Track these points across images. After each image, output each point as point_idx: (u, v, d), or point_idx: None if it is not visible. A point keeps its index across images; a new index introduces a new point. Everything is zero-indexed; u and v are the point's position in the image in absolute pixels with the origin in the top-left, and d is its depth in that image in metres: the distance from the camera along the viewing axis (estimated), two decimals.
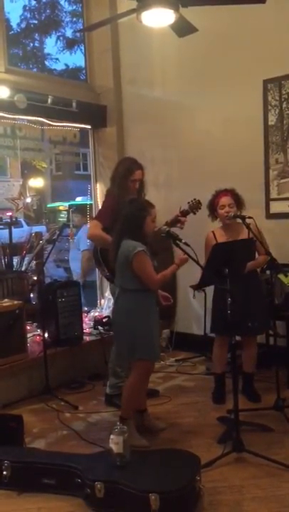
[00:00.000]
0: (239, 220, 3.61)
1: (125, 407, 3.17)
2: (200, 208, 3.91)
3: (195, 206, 3.92)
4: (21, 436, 3.17)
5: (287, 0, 4.19)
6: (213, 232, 3.80)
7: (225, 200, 3.69)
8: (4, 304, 3.99)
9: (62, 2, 10.32)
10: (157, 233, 3.70)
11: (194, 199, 3.94)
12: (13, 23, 10.99)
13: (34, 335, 4.43)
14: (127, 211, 3.13)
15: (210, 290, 3.90)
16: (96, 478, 2.50)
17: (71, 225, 5.91)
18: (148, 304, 3.11)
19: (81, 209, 6.39)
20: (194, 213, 3.92)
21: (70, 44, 11.40)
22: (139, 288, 3.04)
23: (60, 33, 11.91)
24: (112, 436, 2.64)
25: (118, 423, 2.81)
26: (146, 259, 3.02)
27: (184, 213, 3.86)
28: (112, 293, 3.86)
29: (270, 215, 4.50)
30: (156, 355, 3.21)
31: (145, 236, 3.10)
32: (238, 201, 3.72)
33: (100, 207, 5.39)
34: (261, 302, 3.72)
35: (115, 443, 2.61)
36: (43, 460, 2.77)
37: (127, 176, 3.68)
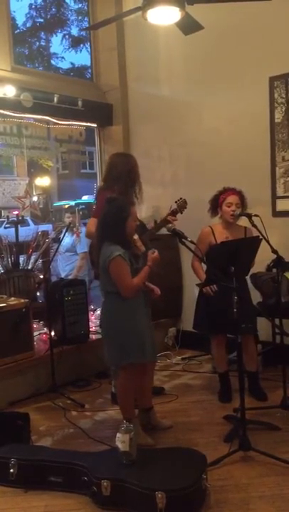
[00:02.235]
0: (238, 221, 3.62)
1: (123, 409, 3.16)
2: (186, 207, 3.91)
3: (182, 205, 3.91)
4: (28, 434, 3.19)
5: None
6: (211, 227, 3.79)
7: (233, 198, 3.69)
8: (11, 303, 4.00)
9: (67, 0, 10.30)
10: (151, 233, 3.72)
11: (180, 198, 3.94)
12: (19, 22, 10.99)
13: (40, 333, 4.44)
14: (106, 213, 3.05)
15: None
16: (102, 476, 2.51)
17: (77, 224, 5.90)
18: (134, 304, 3.05)
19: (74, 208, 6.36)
20: (181, 212, 3.89)
21: (75, 42, 11.39)
22: None
23: (65, 32, 11.90)
24: (118, 435, 2.64)
25: (124, 421, 2.82)
26: (122, 264, 2.93)
27: (174, 213, 3.85)
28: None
29: (276, 213, 4.48)
30: (146, 356, 3.10)
31: (127, 237, 3.04)
32: (243, 203, 3.72)
33: None
34: (248, 303, 3.71)
35: (122, 441, 2.62)
36: (50, 458, 2.78)
37: (134, 169, 3.66)
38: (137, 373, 3.14)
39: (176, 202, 3.92)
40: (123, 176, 3.63)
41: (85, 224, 6.04)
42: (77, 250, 5.85)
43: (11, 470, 2.72)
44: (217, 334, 3.78)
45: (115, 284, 2.97)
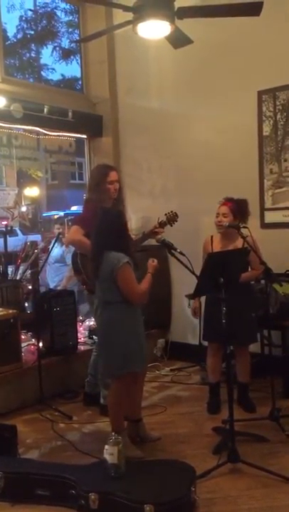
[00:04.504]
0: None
1: (114, 420, 3.13)
2: (176, 221, 3.94)
3: (172, 218, 3.93)
4: (15, 446, 3.15)
5: (282, 12, 4.25)
6: (212, 236, 3.82)
7: (220, 209, 3.72)
8: None
9: (58, 13, 10.37)
10: (136, 244, 3.73)
11: (171, 211, 3.96)
12: (10, 34, 11.02)
13: (29, 344, 4.41)
14: (105, 222, 3.05)
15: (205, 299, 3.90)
16: (90, 489, 2.48)
17: (67, 235, 5.89)
18: (134, 313, 3.08)
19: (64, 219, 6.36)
20: (171, 225, 3.92)
21: (66, 54, 11.44)
22: (124, 299, 3.01)
23: (56, 44, 11.95)
24: (106, 447, 2.62)
25: (113, 433, 2.80)
26: (130, 271, 2.97)
27: (162, 225, 3.87)
28: (90, 303, 3.85)
29: (264, 225, 4.52)
30: (143, 366, 3.19)
31: (129, 243, 3.09)
32: (238, 211, 3.70)
33: None
34: (248, 314, 3.71)
35: (110, 453, 2.60)
36: (37, 471, 2.74)
37: (103, 180, 3.68)
38: (129, 384, 3.14)
39: (165, 214, 3.94)
40: (95, 186, 3.71)
41: None
42: (67, 261, 5.83)
43: None
44: (213, 343, 3.78)
45: (122, 291, 2.97)
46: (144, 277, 3.09)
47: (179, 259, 3.08)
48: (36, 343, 4.15)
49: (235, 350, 3.72)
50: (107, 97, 5.57)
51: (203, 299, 3.93)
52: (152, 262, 3.14)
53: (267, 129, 4.50)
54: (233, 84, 4.61)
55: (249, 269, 3.65)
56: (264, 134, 4.51)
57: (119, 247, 3.00)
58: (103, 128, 5.60)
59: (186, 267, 3.08)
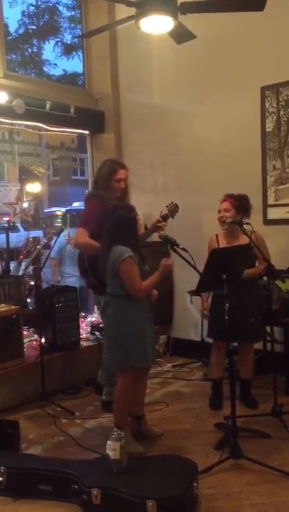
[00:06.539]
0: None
1: (118, 415, 3.14)
2: (177, 212, 3.90)
3: (173, 210, 3.88)
4: (17, 442, 3.15)
5: (285, 7, 4.22)
6: (216, 235, 3.81)
7: (222, 205, 3.71)
8: (1, 309, 3.97)
9: (60, 8, 10.34)
10: (141, 239, 3.70)
11: (172, 202, 3.91)
12: (12, 29, 10.99)
13: (31, 340, 4.41)
14: (116, 218, 3.05)
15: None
16: (93, 485, 2.49)
17: (69, 231, 5.89)
18: (140, 309, 3.07)
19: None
20: (173, 217, 3.87)
21: (68, 50, 11.41)
22: (129, 295, 3.00)
23: (58, 39, 11.92)
24: (109, 442, 2.63)
25: (115, 429, 2.80)
26: (133, 265, 2.96)
27: (165, 218, 3.82)
28: (97, 303, 3.83)
29: (267, 221, 4.51)
30: (148, 361, 3.16)
31: (137, 240, 3.08)
32: (240, 207, 3.69)
33: None
34: (255, 310, 3.71)
35: (112, 449, 2.60)
36: (40, 466, 2.75)
37: (110, 176, 3.57)
38: (135, 378, 3.14)
39: (166, 206, 3.90)
40: (101, 182, 3.61)
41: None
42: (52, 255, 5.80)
43: (0, 478, 2.69)
44: (217, 340, 3.78)
45: (125, 285, 2.97)
46: (152, 274, 3.07)
47: (181, 256, 3.07)
48: (38, 339, 4.16)
49: (239, 348, 3.71)
50: (109, 92, 5.56)
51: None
52: (166, 262, 3.07)
53: (270, 125, 4.48)
54: (236, 80, 4.59)
55: (257, 264, 3.64)
56: (267, 129, 4.50)
57: (127, 243, 3.00)
58: (105, 124, 5.59)
59: (189, 263, 3.07)
